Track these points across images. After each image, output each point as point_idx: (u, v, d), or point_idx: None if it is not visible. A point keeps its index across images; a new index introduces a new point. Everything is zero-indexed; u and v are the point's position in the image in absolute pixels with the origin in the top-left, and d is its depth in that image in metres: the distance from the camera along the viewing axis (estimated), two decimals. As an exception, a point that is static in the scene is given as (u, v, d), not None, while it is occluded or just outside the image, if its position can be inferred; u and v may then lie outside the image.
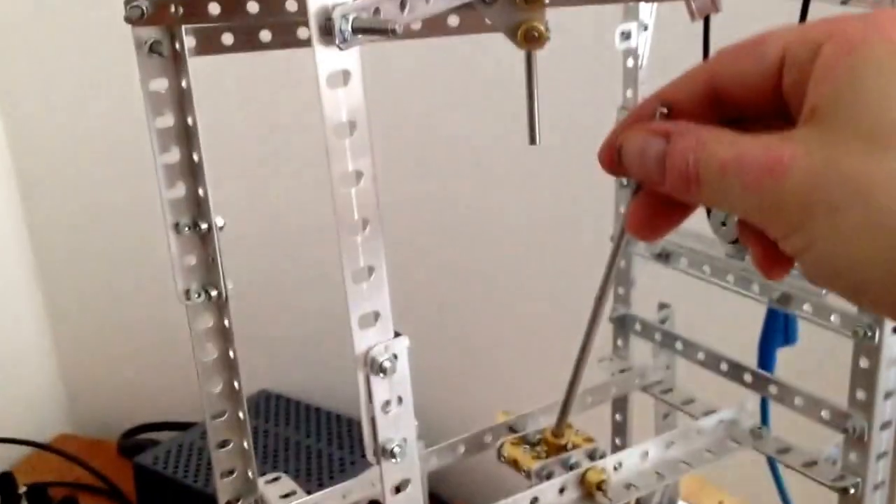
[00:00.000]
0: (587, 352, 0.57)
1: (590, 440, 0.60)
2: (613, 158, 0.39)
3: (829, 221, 0.32)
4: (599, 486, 0.56)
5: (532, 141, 0.48)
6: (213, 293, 0.51)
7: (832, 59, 0.33)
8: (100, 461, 1.19)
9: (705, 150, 0.35)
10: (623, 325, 0.75)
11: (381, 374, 0.42)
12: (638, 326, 0.74)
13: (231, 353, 0.52)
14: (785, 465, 0.64)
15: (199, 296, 0.51)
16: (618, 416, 0.76)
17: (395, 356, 0.42)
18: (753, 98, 0.36)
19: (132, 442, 1.24)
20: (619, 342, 0.76)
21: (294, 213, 1.25)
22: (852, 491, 0.61)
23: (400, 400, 0.43)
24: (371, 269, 0.40)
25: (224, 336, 0.52)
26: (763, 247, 0.37)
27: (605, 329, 0.71)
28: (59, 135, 1.32)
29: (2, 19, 1.28)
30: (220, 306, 0.51)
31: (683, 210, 0.40)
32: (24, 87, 1.32)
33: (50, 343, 1.40)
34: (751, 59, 0.36)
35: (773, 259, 0.37)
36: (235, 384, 0.53)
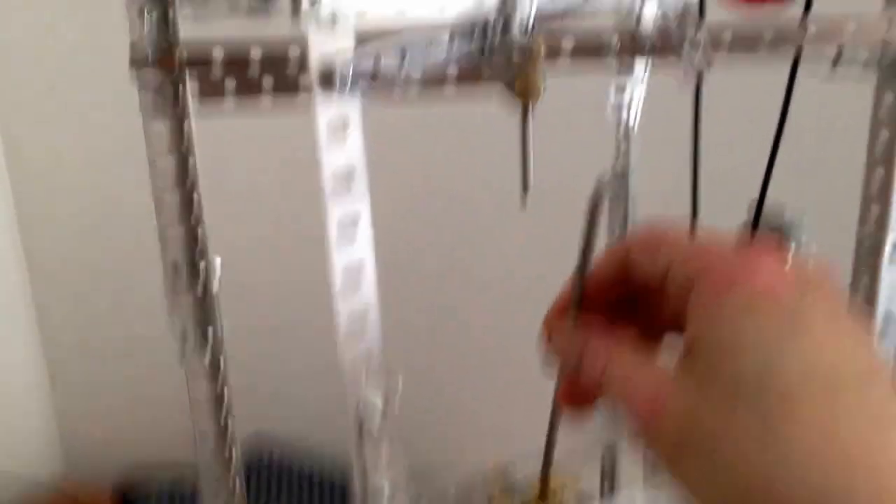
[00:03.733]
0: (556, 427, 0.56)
1: (575, 479, 0.58)
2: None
3: (693, 463, 0.36)
4: None
5: (524, 188, 0.49)
6: (209, 333, 0.51)
7: (702, 300, 0.37)
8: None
9: (611, 367, 0.39)
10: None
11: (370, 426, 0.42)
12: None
13: (225, 394, 0.53)
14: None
15: (194, 337, 0.51)
16: (606, 462, 0.76)
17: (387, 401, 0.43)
18: (652, 284, 0.41)
19: (128, 484, 1.22)
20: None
21: (294, 257, 1.26)
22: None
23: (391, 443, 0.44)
24: (364, 312, 0.41)
25: (217, 377, 0.53)
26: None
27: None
28: (58, 163, 1.32)
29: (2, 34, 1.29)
30: (215, 348, 0.52)
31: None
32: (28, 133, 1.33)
33: (46, 386, 1.39)
34: (648, 257, 0.41)
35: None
36: (229, 424, 0.53)
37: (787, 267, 0.37)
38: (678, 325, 0.38)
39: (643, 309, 0.42)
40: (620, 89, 0.67)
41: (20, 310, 1.35)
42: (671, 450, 0.37)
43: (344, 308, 0.41)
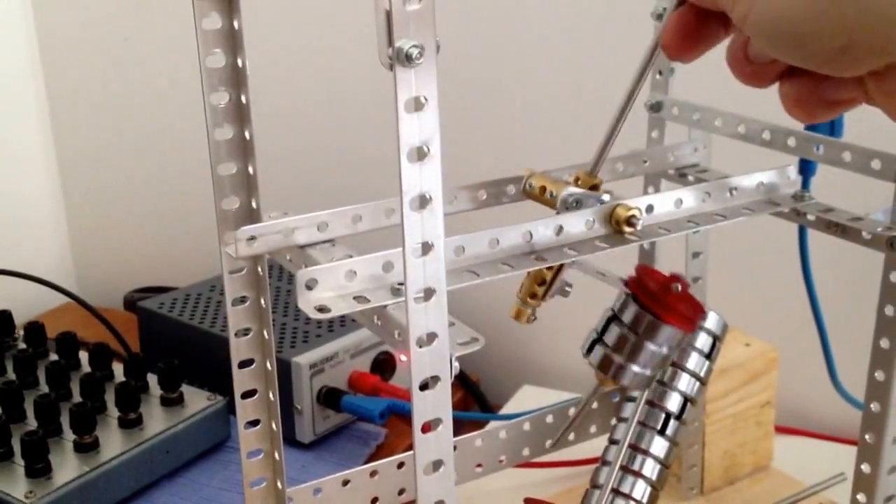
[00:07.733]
0: (632, 99, 0.54)
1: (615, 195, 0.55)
2: None
3: None
4: (629, 220, 0.51)
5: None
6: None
7: None
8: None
9: None
10: (659, 111, 0.70)
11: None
12: (675, 110, 0.69)
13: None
14: (828, 226, 0.59)
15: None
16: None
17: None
18: None
19: (139, 297, 1.14)
20: (655, 134, 0.72)
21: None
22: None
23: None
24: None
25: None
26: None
27: (639, 123, 0.70)
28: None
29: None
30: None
31: (715, 32, 0.44)
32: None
33: (62, 213, 1.37)
34: None
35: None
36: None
37: None
38: None
39: None
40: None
41: (37, 136, 1.31)
42: None
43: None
